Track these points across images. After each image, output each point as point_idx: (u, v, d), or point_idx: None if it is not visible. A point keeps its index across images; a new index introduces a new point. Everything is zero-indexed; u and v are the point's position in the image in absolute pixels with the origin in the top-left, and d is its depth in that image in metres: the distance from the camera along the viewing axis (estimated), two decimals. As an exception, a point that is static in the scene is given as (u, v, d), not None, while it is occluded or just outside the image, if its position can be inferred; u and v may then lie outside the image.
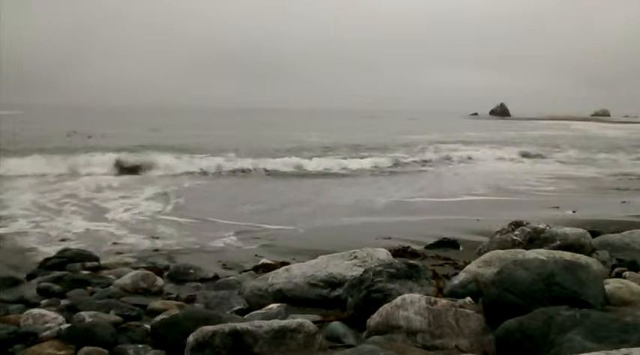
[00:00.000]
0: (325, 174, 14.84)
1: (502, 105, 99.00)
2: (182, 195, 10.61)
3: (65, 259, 5.48)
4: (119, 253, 6.07)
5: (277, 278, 4.41)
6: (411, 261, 4.32)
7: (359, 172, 15.39)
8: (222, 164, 15.45)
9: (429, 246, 6.24)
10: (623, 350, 2.18)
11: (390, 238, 6.74)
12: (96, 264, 5.49)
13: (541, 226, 5.47)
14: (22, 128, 28.78)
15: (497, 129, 39.99)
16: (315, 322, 3.33)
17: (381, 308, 3.37)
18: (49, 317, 3.61)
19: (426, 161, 18.24)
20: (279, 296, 4.27)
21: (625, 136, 34.33)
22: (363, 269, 4.09)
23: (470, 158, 19.34)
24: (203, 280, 5.08)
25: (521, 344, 2.70)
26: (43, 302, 4.29)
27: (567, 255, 4.25)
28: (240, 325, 2.97)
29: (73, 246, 6.17)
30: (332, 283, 4.25)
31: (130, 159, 14.97)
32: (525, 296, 3.06)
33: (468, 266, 4.23)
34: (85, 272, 5.22)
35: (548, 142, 26.40)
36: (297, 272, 4.41)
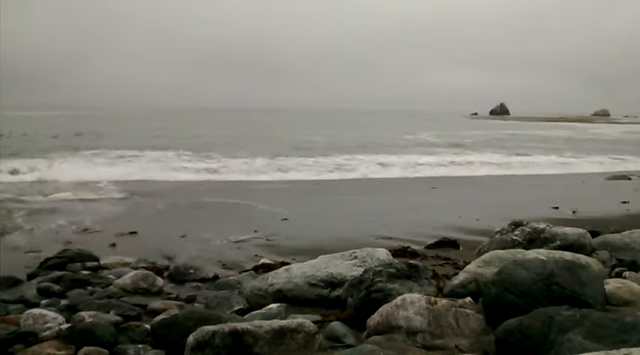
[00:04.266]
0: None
1: (502, 105, 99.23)
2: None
3: (65, 259, 5.48)
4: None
5: (277, 278, 4.41)
6: (411, 261, 4.32)
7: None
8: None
9: (429, 246, 6.23)
10: (623, 350, 2.18)
11: (390, 238, 6.74)
12: (96, 263, 5.49)
13: (541, 226, 5.47)
14: (28, 128, 28.81)
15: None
16: (315, 322, 3.33)
17: (381, 308, 3.37)
18: (49, 317, 3.61)
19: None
20: (279, 296, 4.27)
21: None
22: (363, 269, 4.09)
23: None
24: (203, 280, 5.07)
25: (521, 344, 2.70)
26: (43, 302, 4.28)
27: (567, 255, 4.25)
28: (240, 325, 2.97)
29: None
30: (332, 283, 4.25)
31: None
32: (525, 296, 3.06)
33: (468, 267, 4.23)
34: (85, 272, 5.21)
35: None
36: (297, 272, 4.41)
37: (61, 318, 3.64)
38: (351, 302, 3.83)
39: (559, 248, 4.94)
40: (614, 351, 2.19)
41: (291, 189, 12.42)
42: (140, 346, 3.28)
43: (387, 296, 3.59)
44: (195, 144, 21.93)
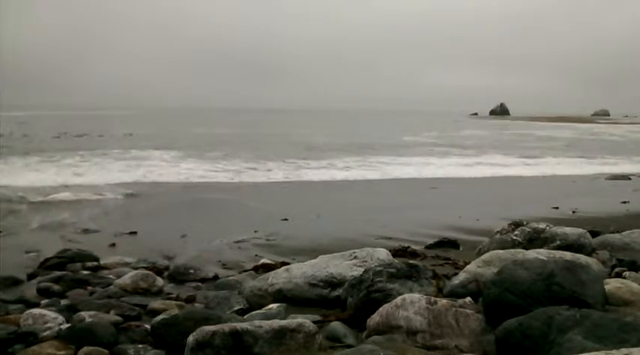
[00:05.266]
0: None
1: (502, 105, 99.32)
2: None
3: (65, 259, 5.48)
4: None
5: (277, 278, 4.41)
6: (411, 261, 4.32)
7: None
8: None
9: (429, 246, 6.24)
10: (623, 350, 2.18)
11: (390, 238, 6.74)
12: (96, 263, 5.49)
13: (541, 226, 5.47)
14: (29, 129, 28.82)
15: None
16: (315, 322, 3.33)
17: (381, 308, 3.37)
18: (49, 317, 3.61)
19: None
20: (279, 296, 4.27)
21: None
22: (363, 269, 4.09)
23: None
24: (203, 280, 5.07)
25: (521, 344, 2.70)
26: (43, 302, 4.28)
27: (567, 255, 4.25)
28: (240, 325, 2.97)
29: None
30: (332, 283, 4.24)
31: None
32: (525, 296, 3.06)
33: (468, 267, 4.22)
34: (85, 272, 5.21)
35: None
36: (297, 273, 4.41)
37: (61, 318, 3.63)
38: (351, 302, 3.83)
39: (559, 248, 4.93)
40: (614, 351, 2.19)
41: (291, 189, 12.42)
42: (140, 346, 3.27)
43: (387, 296, 3.59)
44: (195, 144, 21.95)
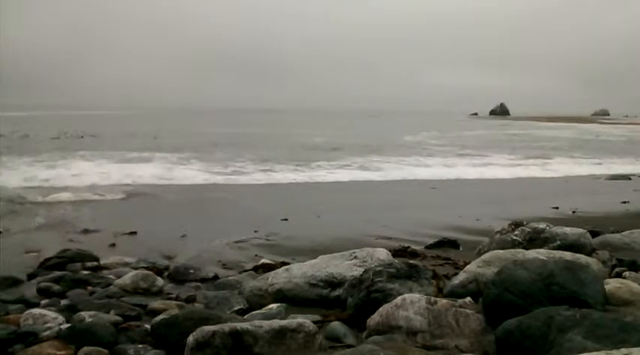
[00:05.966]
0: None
1: (502, 105, 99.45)
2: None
3: (65, 259, 5.48)
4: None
5: (277, 278, 4.41)
6: (411, 261, 4.32)
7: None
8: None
9: (429, 246, 6.24)
10: (623, 350, 2.18)
11: (390, 238, 6.74)
12: (96, 263, 5.49)
13: (541, 226, 5.47)
14: (29, 129, 28.82)
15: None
16: (315, 322, 3.33)
17: (381, 308, 3.37)
18: (49, 317, 3.61)
19: None
20: (279, 296, 4.27)
21: None
22: (363, 269, 4.09)
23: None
24: (203, 280, 5.07)
25: (521, 344, 2.70)
26: (43, 302, 4.28)
27: (567, 255, 4.25)
28: (240, 325, 2.97)
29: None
30: (332, 283, 4.25)
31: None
32: (525, 296, 3.06)
33: (468, 267, 4.23)
34: (85, 272, 5.21)
35: None
36: (297, 273, 4.41)
37: (61, 318, 3.63)
38: (351, 302, 3.83)
39: (559, 248, 4.94)
40: (614, 351, 2.19)
41: (291, 189, 12.41)
42: (140, 346, 3.27)
43: (387, 296, 3.59)
44: (195, 144, 21.95)
